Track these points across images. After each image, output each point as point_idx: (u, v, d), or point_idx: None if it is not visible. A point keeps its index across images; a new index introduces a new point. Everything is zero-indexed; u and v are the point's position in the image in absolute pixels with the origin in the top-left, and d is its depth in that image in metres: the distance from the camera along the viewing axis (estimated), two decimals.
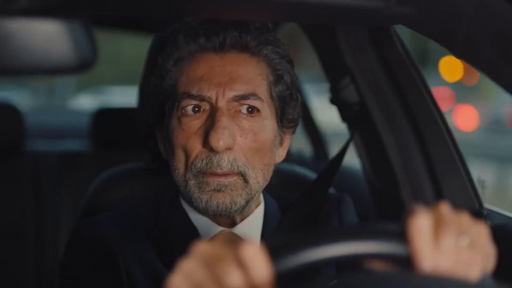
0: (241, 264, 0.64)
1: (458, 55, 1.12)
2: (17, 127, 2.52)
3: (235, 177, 1.09)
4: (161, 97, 1.16)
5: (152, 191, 1.33)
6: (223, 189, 1.09)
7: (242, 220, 1.17)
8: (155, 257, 1.13)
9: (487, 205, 1.51)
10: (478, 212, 1.48)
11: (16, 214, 2.45)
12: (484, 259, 0.71)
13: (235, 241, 0.66)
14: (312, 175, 1.47)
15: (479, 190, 1.52)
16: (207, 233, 1.15)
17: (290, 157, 1.27)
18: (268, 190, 1.24)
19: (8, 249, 2.43)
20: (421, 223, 0.68)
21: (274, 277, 0.65)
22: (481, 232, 0.72)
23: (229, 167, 1.08)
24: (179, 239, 1.14)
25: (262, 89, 1.12)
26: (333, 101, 1.71)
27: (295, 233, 0.69)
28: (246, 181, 1.10)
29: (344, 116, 1.70)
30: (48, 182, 2.49)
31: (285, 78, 1.16)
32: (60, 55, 0.71)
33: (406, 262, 0.69)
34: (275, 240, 0.68)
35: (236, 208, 1.10)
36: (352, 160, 1.87)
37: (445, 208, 0.71)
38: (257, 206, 1.20)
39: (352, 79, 1.64)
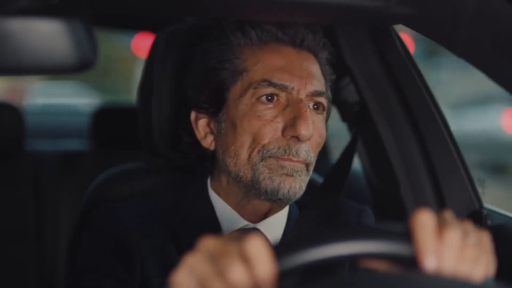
0: (245, 259, 0.65)
1: (459, 55, 1.12)
2: (17, 127, 2.52)
3: (303, 165, 1.13)
4: (223, 83, 1.16)
5: (152, 190, 1.33)
6: (294, 174, 1.12)
7: (275, 213, 1.18)
8: (172, 247, 1.13)
9: (487, 205, 1.51)
10: (478, 212, 1.48)
11: (16, 214, 2.45)
12: (488, 260, 0.72)
13: (241, 237, 0.67)
14: (315, 176, 1.47)
15: (479, 190, 1.52)
16: (230, 226, 1.16)
17: None
18: None
19: (8, 249, 2.43)
20: (424, 219, 0.69)
21: (277, 274, 0.65)
22: (484, 238, 0.73)
23: (305, 157, 1.12)
24: (199, 231, 1.14)
25: (326, 89, 1.19)
26: (333, 101, 1.71)
27: (303, 233, 0.70)
28: (308, 170, 1.14)
29: (344, 116, 1.70)
30: (48, 182, 2.49)
31: (329, 84, 1.22)
32: (60, 54, 0.71)
33: (411, 263, 0.68)
34: (282, 239, 0.68)
35: (300, 194, 1.14)
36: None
37: (448, 214, 0.73)
38: None
39: (352, 78, 1.64)
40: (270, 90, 1.12)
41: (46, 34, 0.70)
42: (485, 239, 0.73)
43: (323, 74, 1.20)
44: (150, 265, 1.11)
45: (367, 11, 1.16)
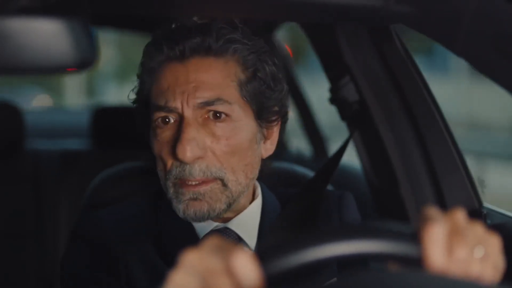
0: (232, 274, 0.65)
1: (458, 54, 1.12)
2: (17, 126, 2.52)
3: (212, 184, 1.09)
4: (141, 108, 1.16)
5: (151, 189, 1.33)
6: (200, 197, 1.09)
7: (237, 214, 1.17)
8: (153, 252, 1.14)
9: (486, 204, 1.51)
10: (478, 211, 1.48)
11: (16, 213, 2.45)
12: (494, 273, 0.71)
13: (224, 248, 0.66)
14: (312, 174, 1.47)
15: (479, 189, 1.52)
16: (203, 228, 1.15)
17: (289, 156, 1.27)
18: (267, 187, 1.24)
19: (8, 248, 2.43)
20: (437, 232, 0.67)
21: (265, 281, 0.65)
22: (493, 244, 0.72)
23: (202, 175, 1.08)
24: (176, 235, 1.15)
25: (229, 92, 1.10)
26: (332, 100, 1.71)
27: (287, 235, 0.69)
28: (224, 185, 1.10)
29: (344, 115, 1.70)
30: (48, 181, 2.49)
31: (259, 73, 1.13)
32: (60, 54, 0.71)
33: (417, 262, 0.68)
34: (265, 244, 0.68)
35: (215, 214, 1.10)
36: (352, 158, 1.87)
37: (461, 216, 0.71)
38: (252, 200, 1.20)
39: (351, 78, 1.64)
40: (160, 114, 1.09)
41: (46, 33, 0.70)
42: (495, 244, 0.72)
43: (233, 72, 1.11)
44: (134, 270, 1.12)
45: (367, 10, 1.16)
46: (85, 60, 0.73)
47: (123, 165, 1.45)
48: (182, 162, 1.07)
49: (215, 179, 1.09)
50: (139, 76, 1.18)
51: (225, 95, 1.09)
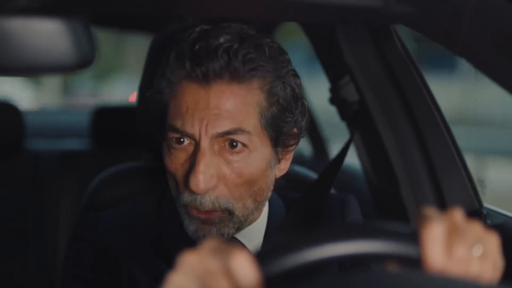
0: (230, 276, 0.64)
1: (458, 54, 1.12)
2: (17, 126, 2.52)
3: (219, 213, 1.07)
4: (156, 117, 1.13)
5: (152, 190, 1.33)
6: (209, 222, 1.08)
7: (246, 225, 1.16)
8: (155, 253, 1.14)
9: (486, 204, 1.51)
10: (478, 211, 1.48)
11: (15, 213, 2.45)
12: (493, 271, 0.71)
13: (223, 250, 0.66)
14: (313, 175, 1.47)
15: (479, 189, 1.52)
16: None
17: None
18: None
19: (8, 248, 2.43)
20: (435, 232, 0.67)
21: (264, 282, 0.65)
22: (492, 243, 0.72)
23: (211, 206, 1.06)
24: (179, 238, 1.15)
25: (250, 121, 1.06)
26: (332, 100, 1.71)
27: (287, 236, 0.69)
28: (231, 213, 1.08)
29: (344, 115, 1.70)
30: (47, 181, 2.49)
31: (281, 100, 1.08)
32: (59, 54, 0.71)
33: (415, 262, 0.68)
34: (264, 246, 0.68)
35: (225, 237, 1.10)
36: (352, 159, 1.87)
37: (458, 215, 0.71)
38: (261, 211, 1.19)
39: (351, 78, 1.64)
40: (175, 135, 1.06)
41: (46, 33, 0.70)
42: (493, 243, 0.72)
43: (255, 100, 1.06)
44: (135, 271, 1.12)
45: (366, 10, 1.15)
46: (85, 60, 0.73)
47: (123, 165, 1.45)
48: (193, 192, 1.05)
49: (222, 209, 1.07)
50: (148, 72, 1.15)
51: (246, 125, 1.05)
